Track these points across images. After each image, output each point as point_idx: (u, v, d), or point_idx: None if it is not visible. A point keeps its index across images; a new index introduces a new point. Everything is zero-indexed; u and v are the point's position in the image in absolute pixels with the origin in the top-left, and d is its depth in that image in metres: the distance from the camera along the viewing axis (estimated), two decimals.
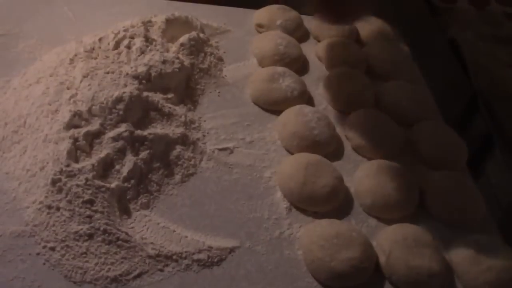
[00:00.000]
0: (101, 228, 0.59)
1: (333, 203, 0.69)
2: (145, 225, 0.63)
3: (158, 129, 0.70)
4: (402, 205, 0.71)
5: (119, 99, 0.68)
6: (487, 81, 1.03)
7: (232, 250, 0.62)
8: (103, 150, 0.65)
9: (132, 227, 0.62)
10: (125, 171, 0.65)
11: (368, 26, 1.02)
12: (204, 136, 0.74)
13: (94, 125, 0.66)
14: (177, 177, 0.68)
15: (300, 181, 0.68)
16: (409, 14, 1.20)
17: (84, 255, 0.58)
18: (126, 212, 0.63)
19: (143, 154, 0.67)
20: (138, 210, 0.64)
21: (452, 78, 1.16)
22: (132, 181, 0.65)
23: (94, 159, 0.64)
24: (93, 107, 0.67)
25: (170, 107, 0.73)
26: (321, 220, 0.66)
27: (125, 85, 0.70)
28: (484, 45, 1.12)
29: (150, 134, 0.68)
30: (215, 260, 0.61)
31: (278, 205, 0.68)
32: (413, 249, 0.63)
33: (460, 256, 0.66)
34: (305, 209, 0.68)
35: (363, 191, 0.71)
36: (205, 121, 0.77)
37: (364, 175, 0.72)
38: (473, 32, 1.16)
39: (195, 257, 0.60)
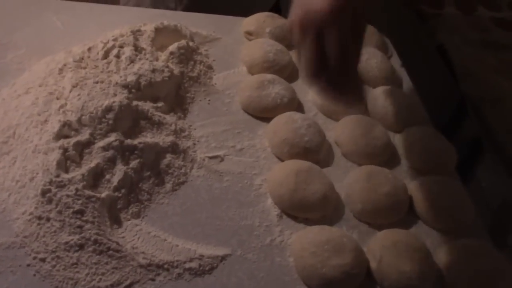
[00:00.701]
0: (92, 238, 0.59)
1: (323, 209, 0.69)
2: (136, 235, 0.63)
3: (148, 138, 0.70)
4: (393, 210, 0.71)
5: (108, 109, 0.68)
6: (475, 86, 1.04)
7: (223, 258, 0.62)
8: (93, 160, 0.65)
9: (123, 237, 0.62)
10: (115, 180, 0.65)
11: None
12: (194, 144, 0.74)
13: (84, 135, 0.66)
14: (168, 186, 0.68)
15: (291, 188, 0.68)
16: (397, 20, 1.21)
17: (75, 265, 0.58)
18: (116, 221, 0.63)
19: (133, 163, 0.67)
20: (128, 220, 0.64)
21: (440, 83, 1.17)
22: (123, 191, 0.65)
23: (84, 169, 0.64)
24: (83, 117, 0.67)
25: (160, 116, 0.73)
26: (312, 226, 0.66)
27: (115, 95, 0.70)
28: (472, 50, 1.13)
29: (140, 143, 0.68)
30: (207, 268, 0.61)
31: (269, 212, 0.68)
32: (403, 254, 0.64)
33: (450, 260, 0.66)
34: (296, 215, 0.68)
35: (353, 197, 0.71)
36: (195, 129, 0.77)
37: (354, 181, 0.73)
38: (460, 37, 1.17)
39: (187, 265, 0.60)
